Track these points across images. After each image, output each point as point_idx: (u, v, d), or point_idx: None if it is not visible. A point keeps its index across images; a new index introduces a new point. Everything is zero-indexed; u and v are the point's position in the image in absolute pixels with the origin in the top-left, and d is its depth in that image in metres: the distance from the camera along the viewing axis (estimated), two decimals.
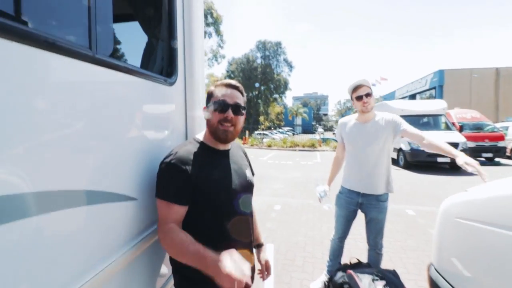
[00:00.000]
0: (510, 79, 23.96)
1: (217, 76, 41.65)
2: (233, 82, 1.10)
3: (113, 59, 0.89)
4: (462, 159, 1.57)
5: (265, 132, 28.62)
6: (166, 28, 1.26)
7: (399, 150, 10.15)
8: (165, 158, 1.00)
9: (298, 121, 46.32)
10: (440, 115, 10.71)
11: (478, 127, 11.72)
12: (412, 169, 9.40)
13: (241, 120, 1.09)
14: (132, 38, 1.40)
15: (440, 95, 23.95)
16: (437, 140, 1.82)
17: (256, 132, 26.91)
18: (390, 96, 33.98)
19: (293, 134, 31.11)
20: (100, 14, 0.80)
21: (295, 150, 17.47)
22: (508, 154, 11.77)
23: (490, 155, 10.82)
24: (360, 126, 2.13)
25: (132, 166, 0.97)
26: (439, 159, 9.02)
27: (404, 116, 9.01)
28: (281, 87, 43.96)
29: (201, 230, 0.99)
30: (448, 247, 1.54)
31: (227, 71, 42.75)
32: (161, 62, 1.30)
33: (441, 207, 1.64)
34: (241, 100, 1.09)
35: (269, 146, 19.36)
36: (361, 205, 2.19)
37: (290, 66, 43.59)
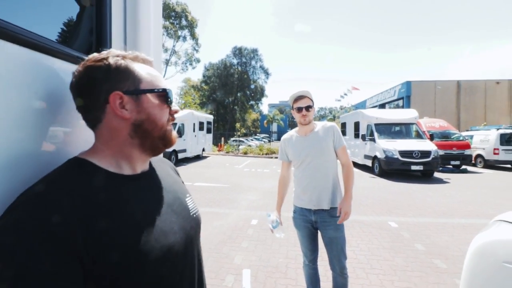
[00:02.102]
0: (470, 91, 25.86)
1: (194, 80, 40.62)
2: (148, 57, 0.67)
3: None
4: (344, 205, 1.90)
5: (241, 139, 28.15)
6: None
7: (374, 158, 10.22)
8: (12, 208, 0.47)
9: (274, 128, 46.46)
10: (412, 123, 11.01)
11: (446, 136, 12.26)
12: (386, 177, 9.46)
13: None
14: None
15: (408, 105, 25.14)
16: (348, 179, 2.02)
17: (232, 139, 26.34)
18: (361, 105, 35.19)
19: (269, 141, 30.94)
20: None
21: (272, 157, 17.18)
22: (473, 162, 12.40)
23: (457, 162, 11.29)
24: (302, 140, 2.06)
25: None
26: (413, 167, 9.18)
27: (377, 124, 9.09)
28: (258, 94, 43.92)
29: None
30: None
31: (204, 76, 41.88)
32: (86, 35, 0.83)
33: (474, 245, 1.23)
34: None
35: (245, 153, 18.92)
36: (316, 223, 2.02)
37: (267, 73, 43.72)
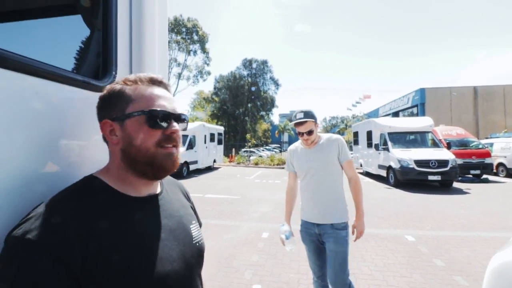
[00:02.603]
0: (488, 97, 25.04)
1: (206, 93, 41.42)
2: (157, 76, 0.67)
3: None
4: (358, 224, 1.96)
5: (252, 149, 28.21)
6: (97, 12, 0.83)
7: (389, 168, 9.94)
8: (16, 228, 0.50)
9: (285, 138, 46.38)
10: (427, 132, 10.71)
11: (464, 144, 11.81)
12: (402, 188, 9.15)
13: (181, 136, 0.68)
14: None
15: (422, 113, 24.58)
16: (357, 194, 1.98)
17: (243, 149, 26.45)
18: (374, 114, 34.69)
19: (280, 151, 30.85)
20: None
21: (283, 168, 17.05)
22: (494, 170, 11.84)
23: (477, 172, 10.80)
24: (307, 152, 2.05)
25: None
26: (430, 177, 8.85)
27: (391, 133, 8.85)
28: (268, 104, 44.18)
29: None
30: None
31: (214, 88, 42.66)
32: (93, 59, 0.86)
33: (492, 265, 1.15)
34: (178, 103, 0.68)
35: (256, 164, 18.88)
36: (320, 237, 1.97)
37: (277, 84, 44.04)
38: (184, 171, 12.62)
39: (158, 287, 0.56)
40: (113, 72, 0.81)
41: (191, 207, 0.83)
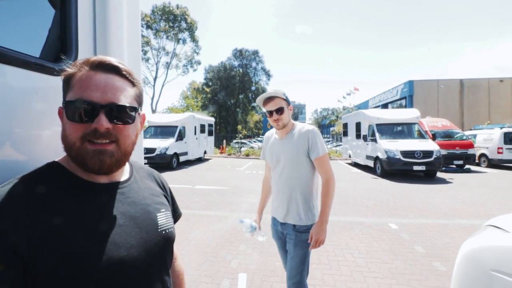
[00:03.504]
0: (473, 90, 25.60)
1: (198, 83, 40.73)
2: (109, 59, 0.61)
3: None
4: (315, 230, 1.65)
5: (243, 140, 28.16)
6: None
7: (376, 158, 10.13)
8: None
9: None
10: (414, 123, 10.92)
11: (449, 135, 12.11)
12: (388, 178, 9.37)
13: (129, 130, 0.62)
14: None
15: (410, 105, 24.94)
16: (326, 194, 1.70)
17: (234, 141, 26.38)
18: (364, 106, 35.01)
19: None
20: None
21: None
22: (477, 161, 12.24)
23: (461, 162, 11.15)
24: (277, 142, 1.84)
25: None
26: (415, 167, 9.08)
27: (379, 125, 8.95)
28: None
29: None
30: None
31: (205, 79, 42.03)
32: (53, 41, 0.81)
33: (463, 251, 1.17)
34: (127, 93, 0.62)
35: (247, 155, 18.88)
36: (283, 235, 1.84)
37: (268, 74, 43.73)
38: (174, 163, 12.50)
39: (111, 272, 0.55)
40: (72, 55, 0.77)
41: (165, 195, 0.81)
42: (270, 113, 1.74)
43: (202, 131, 16.32)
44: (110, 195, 0.64)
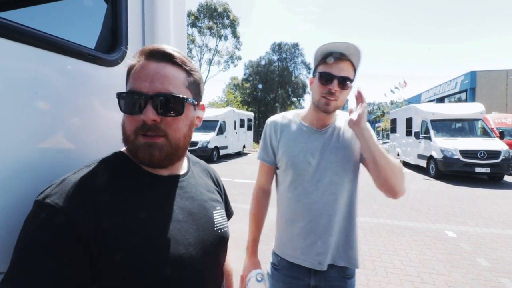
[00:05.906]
0: None
1: (239, 79, 41.54)
2: (162, 47, 0.57)
3: None
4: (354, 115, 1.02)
5: None
6: None
7: (430, 158, 9.21)
8: (40, 193, 0.50)
9: None
10: (477, 119, 9.67)
11: None
12: (444, 180, 8.45)
13: (179, 123, 0.58)
14: None
15: (472, 99, 22.18)
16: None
17: None
18: (415, 100, 32.12)
19: None
20: None
21: None
22: None
23: None
24: (313, 134, 1.11)
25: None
26: (477, 169, 8.04)
27: (435, 121, 7.98)
28: (299, 89, 43.11)
29: None
30: None
31: (244, 74, 42.57)
32: (105, 33, 0.83)
33: None
34: (178, 82, 0.57)
35: None
36: None
37: (309, 68, 42.49)
38: (214, 156, 12.93)
39: (169, 270, 0.53)
40: (122, 46, 0.77)
41: (219, 193, 0.79)
42: (330, 79, 1.00)
43: (242, 125, 16.59)
44: (171, 188, 0.62)
